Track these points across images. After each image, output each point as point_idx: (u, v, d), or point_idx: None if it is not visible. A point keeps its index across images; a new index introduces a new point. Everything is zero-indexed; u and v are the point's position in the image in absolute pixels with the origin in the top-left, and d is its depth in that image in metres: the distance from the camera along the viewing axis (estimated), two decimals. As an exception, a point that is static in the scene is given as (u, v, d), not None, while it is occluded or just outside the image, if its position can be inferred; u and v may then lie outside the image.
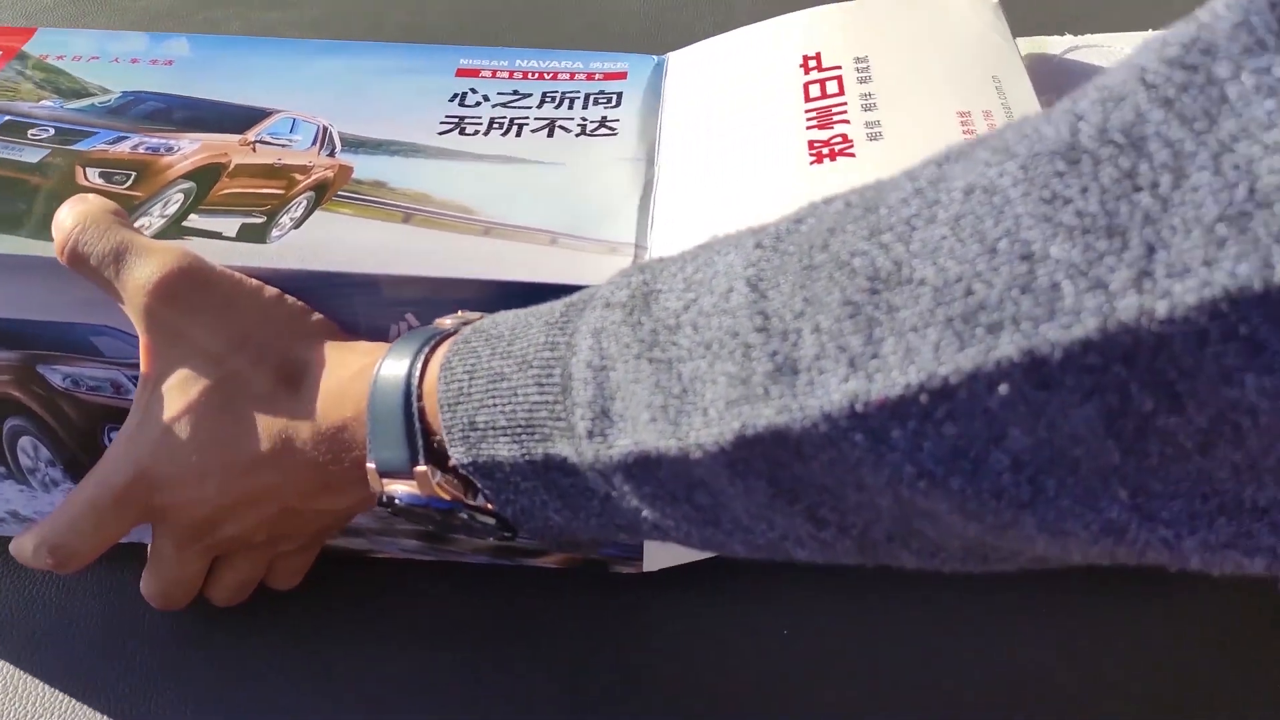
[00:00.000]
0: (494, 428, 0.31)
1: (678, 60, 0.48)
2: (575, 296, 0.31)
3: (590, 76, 0.47)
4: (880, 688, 0.41)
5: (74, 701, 0.40)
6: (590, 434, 0.28)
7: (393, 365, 0.34)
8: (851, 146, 0.40)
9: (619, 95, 0.46)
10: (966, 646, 0.42)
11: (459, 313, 0.37)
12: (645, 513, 0.29)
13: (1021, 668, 0.41)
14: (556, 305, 0.31)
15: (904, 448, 0.22)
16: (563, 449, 0.29)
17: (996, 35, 0.45)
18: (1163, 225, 0.19)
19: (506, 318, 0.33)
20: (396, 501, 0.34)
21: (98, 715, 0.40)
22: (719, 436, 0.25)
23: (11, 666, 0.41)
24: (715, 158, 0.42)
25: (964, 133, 0.39)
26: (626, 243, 0.39)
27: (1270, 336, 0.18)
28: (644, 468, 0.27)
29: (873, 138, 0.40)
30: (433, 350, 0.33)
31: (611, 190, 0.42)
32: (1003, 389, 0.21)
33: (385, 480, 0.34)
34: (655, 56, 0.49)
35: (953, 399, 0.21)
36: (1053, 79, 0.47)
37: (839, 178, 0.39)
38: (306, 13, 0.72)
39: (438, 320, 0.36)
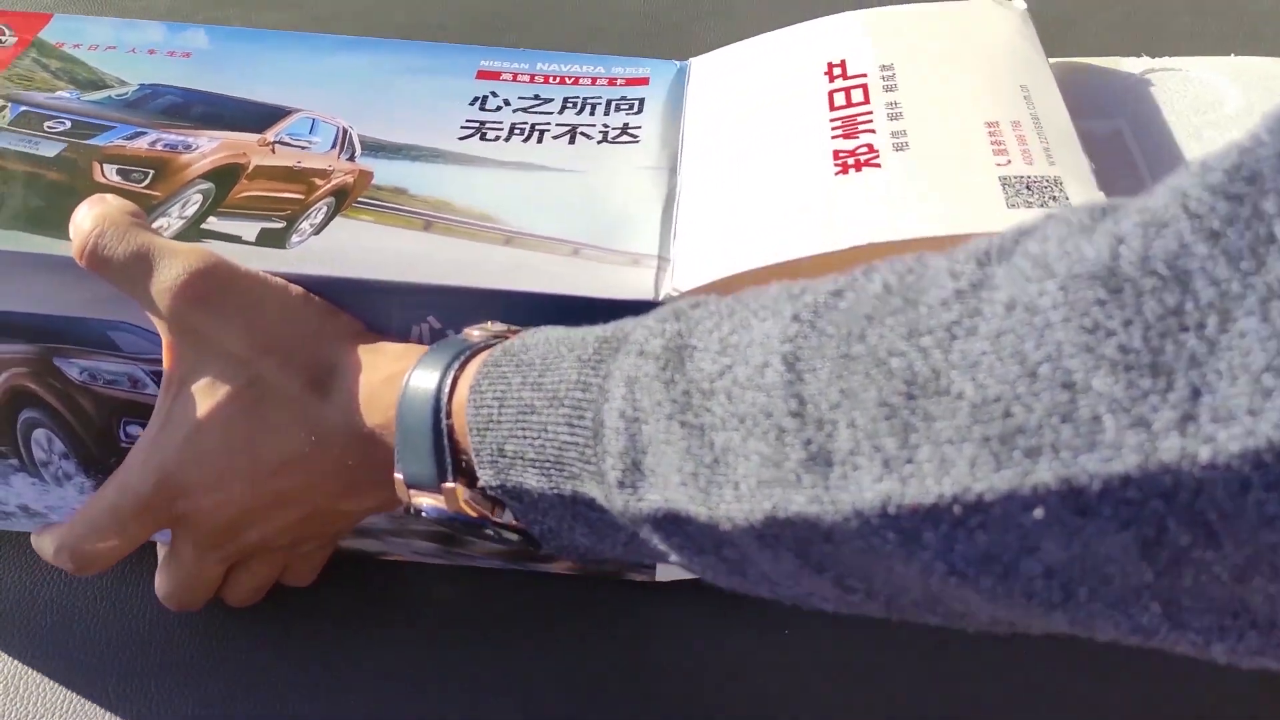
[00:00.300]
0: (523, 458, 0.31)
1: (700, 66, 0.48)
2: (608, 331, 0.31)
3: (612, 82, 0.47)
4: (882, 688, 0.41)
5: (77, 698, 0.40)
6: (621, 484, 0.28)
7: (422, 378, 0.34)
8: (877, 156, 0.39)
9: (641, 101, 0.46)
10: (968, 647, 0.41)
11: (488, 324, 0.36)
12: (672, 556, 0.29)
13: (1025, 667, 0.41)
14: (589, 339, 0.31)
15: (935, 548, 0.22)
16: (592, 491, 0.30)
17: (1025, 43, 0.45)
18: (1208, 369, 0.19)
19: (537, 342, 0.32)
20: (423, 514, 0.34)
21: (102, 714, 0.40)
22: (749, 514, 0.25)
23: (14, 663, 0.41)
24: (738, 167, 0.42)
25: (992, 144, 0.39)
26: (649, 254, 0.39)
27: None
28: (673, 523, 0.28)
29: (899, 148, 0.39)
30: (463, 366, 0.33)
31: (633, 200, 0.41)
32: (1038, 512, 0.21)
33: (413, 491, 0.34)
34: (678, 62, 0.48)
35: (987, 513, 0.21)
36: (1089, 94, 0.46)
37: (864, 189, 0.38)
38: (309, 12, 0.72)
39: (466, 331, 0.36)
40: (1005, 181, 0.37)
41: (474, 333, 0.36)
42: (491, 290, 0.38)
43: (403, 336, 0.38)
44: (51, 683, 0.41)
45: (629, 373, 0.29)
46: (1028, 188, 0.37)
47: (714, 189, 0.41)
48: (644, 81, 0.47)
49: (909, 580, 0.24)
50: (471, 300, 0.38)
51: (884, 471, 0.23)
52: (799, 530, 0.25)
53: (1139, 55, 0.48)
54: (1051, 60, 0.44)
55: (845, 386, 0.24)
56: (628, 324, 0.31)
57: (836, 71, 0.44)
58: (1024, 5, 0.47)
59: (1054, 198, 0.36)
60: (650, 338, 0.29)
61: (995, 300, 0.22)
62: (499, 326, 0.36)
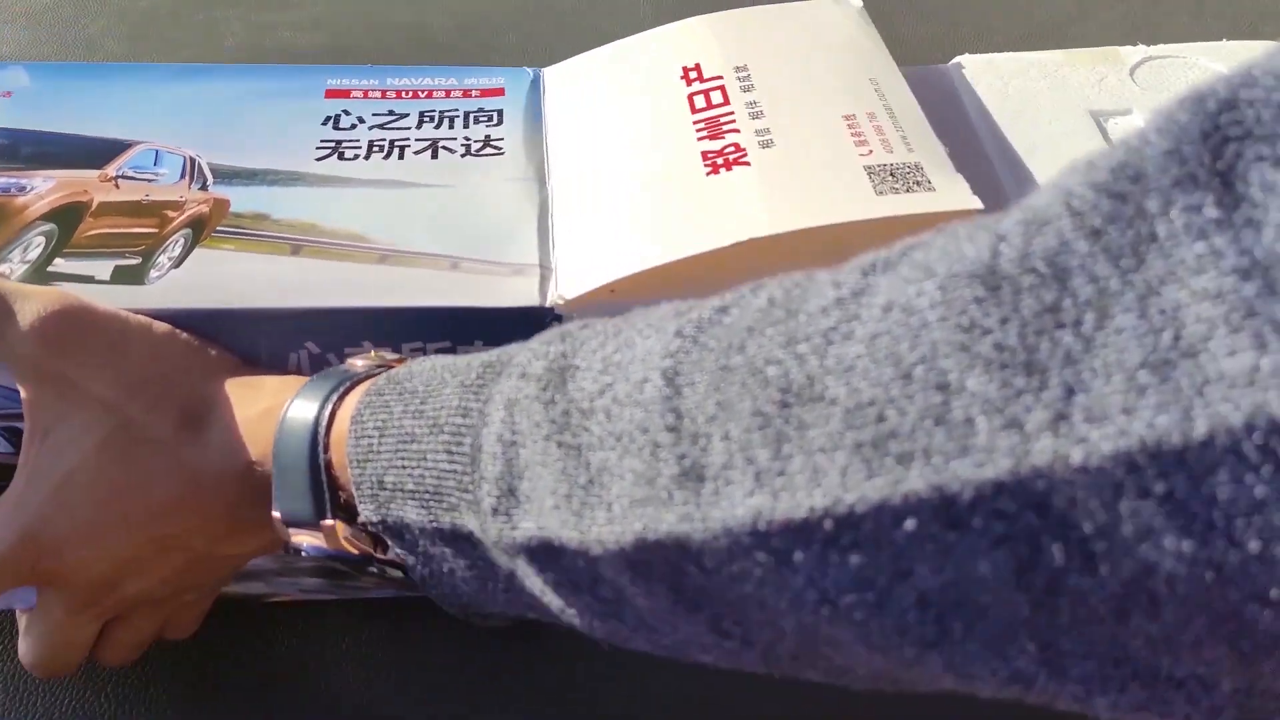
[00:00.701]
0: (402, 490, 0.30)
1: (553, 75, 0.48)
2: (493, 355, 0.30)
3: (467, 94, 0.46)
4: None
5: (78, 697, 0.39)
6: (495, 511, 0.27)
7: (300, 409, 0.32)
8: (745, 155, 0.40)
9: (500, 113, 0.45)
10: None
11: (373, 353, 0.35)
12: (549, 598, 0.28)
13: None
14: (474, 363, 0.30)
15: (807, 572, 0.21)
16: (468, 522, 0.28)
17: (866, 38, 0.46)
18: (1083, 367, 0.18)
19: (423, 369, 0.31)
20: (304, 553, 0.33)
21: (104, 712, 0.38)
22: (620, 536, 0.24)
23: (14, 663, 0.39)
24: (608, 174, 0.42)
25: (852, 135, 0.40)
26: (531, 264, 0.38)
27: (1189, 497, 0.17)
28: (546, 554, 0.26)
29: (765, 145, 0.40)
30: (343, 397, 0.32)
31: (506, 211, 0.41)
32: (909, 524, 0.20)
33: (292, 530, 0.33)
34: (530, 70, 0.48)
35: (858, 529, 0.20)
36: (940, 96, 0.47)
37: (738, 187, 0.39)
38: (308, 12, 0.69)
39: (349, 360, 0.35)
40: (870, 170, 0.39)
41: (357, 362, 0.34)
42: (371, 309, 0.36)
43: (280, 365, 0.37)
44: (51, 682, 0.39)
45: (510, 395, 0.28)
46: (892, 174, 0.38)
47: (587, 197, 0.41)
48: (499, 92, 0.47)
49: (783, 618, 0.23)
50: (350, 321, 0.36)
51: (755, 485, 0.22)
52: (670, 555, 0.23)
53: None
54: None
55: (722, 399, 0.23)
56: (513, 348, 0.30)
57: (693, 75, 0.45)
58: (860, 2, 0.49)
59: (918, 182, 0.38)
60: (533, 360, 0.28)
61: (873, 304, 0.21)
62: (386, 355, 0.35)
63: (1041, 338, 0.19)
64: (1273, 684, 0.19)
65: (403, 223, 0.39)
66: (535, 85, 0.47)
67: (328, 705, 0.39)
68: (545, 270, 0.38)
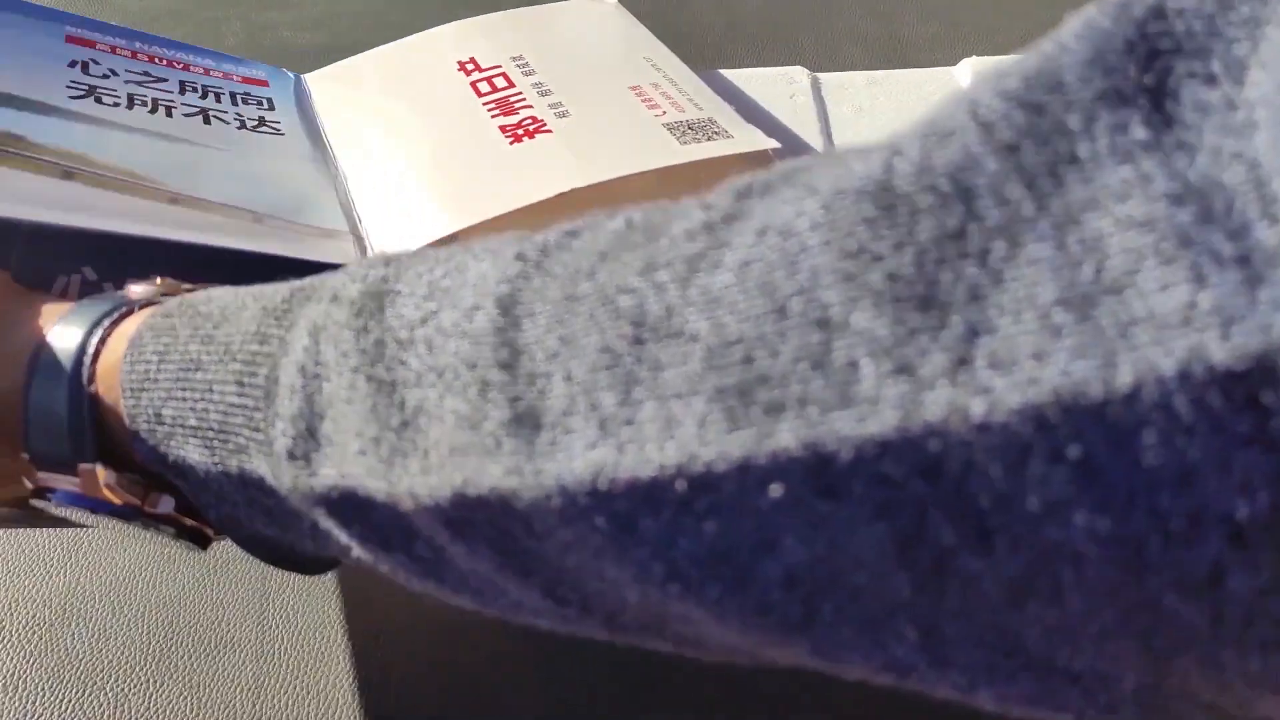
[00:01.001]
0: (183, 426, 0.25)
1: (318, 80, 0.46)
2: (306, 281, 0.26)
3: (227, 76, 0.44)
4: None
5: (78, 697, 0.36)
6: (291, 455, 0.23)
7: (63, 336, 0.27)
8: (545, 125, 0.41)
9: (270, 100, 0.43)
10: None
11: (158, 280, 0.30)
12: (357, 553, 0.24)
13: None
14: (282, 289, 0.26)
15: (654, 541, 0.18)
16: (259, 466, 0.24)
17: (631, 26, 0.49)
18: (990, 304, 0.15)
19: (223, 293, 0.27)
20: (50, 499, 0.27)
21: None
22: (435, 490, 0.20)
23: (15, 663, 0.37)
24: (404, 157, 0.40)
25: (644, 103, 0.42)
26: (341, 230, 0.36)
27: (1109, 463, 0.14)
28: (351, 506, 0.22)
29: (562, 115, 0.42)
30: (116, 323, 0.28)
31: (302, 182, 0.38)
32: (776, 489, 0.17)
33: (43, 475, 0.27)
34: (290, 74, 0.46)
35: (717, 492, 0.17)
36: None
37: (545, 149, 0.39)
38: (307, 12, 0.67)
39: (129, 287, 0.30)
40: (670, 127, 0.41)
41: (136, 289, 0.29)
42: (173, 241, 0.32)
43: (43, 289, 0.31)
44: (51, 682, 0.37)
45: (316, 321, 0.24)
46: (690, 128, 0.41)
47: (386, 176, 0.40)
48: (263, 83, 0.44)
49: (625, 591, 0.20)
50: (144, 251, 0.32)
51: (599, 436, 0.18)
52: (494, 514, 0.20)
53: None
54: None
55: (565, 333, 0.19)
56: (330, 274, 0.26)
57: (470, 67, 0.45)
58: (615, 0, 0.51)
59: (715, 132, 0.41)
60: (349, 283, 0.24)
61: (747, 229, 0.18)
62: (171, 283, 0.31)
63: (942, 268, 0.16)
64: (1182, 683, 0.16)
65: (190, 173, 0.36)
66: (300, 87, 0.46)
67: (327, 704, 0.37)
68: (357, 238, 0.36)
